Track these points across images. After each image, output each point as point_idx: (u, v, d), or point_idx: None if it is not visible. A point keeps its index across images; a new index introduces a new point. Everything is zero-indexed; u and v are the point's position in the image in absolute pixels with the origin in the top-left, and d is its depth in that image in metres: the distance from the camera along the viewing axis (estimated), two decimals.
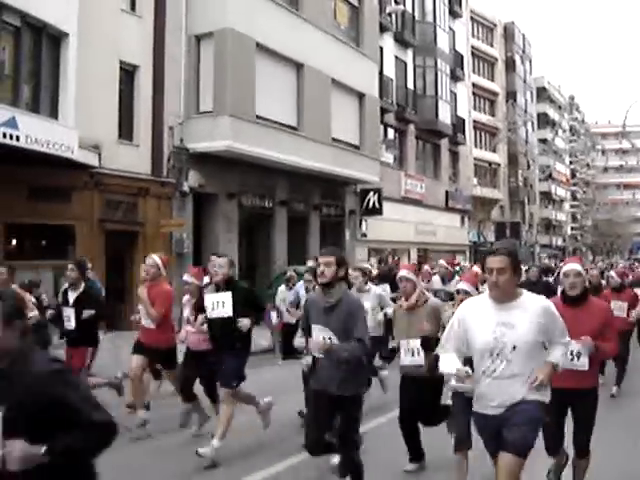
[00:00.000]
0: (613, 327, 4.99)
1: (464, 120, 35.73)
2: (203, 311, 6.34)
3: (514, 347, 3.59)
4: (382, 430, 6.82)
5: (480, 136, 41.20)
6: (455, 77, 34.02)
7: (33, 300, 9.04)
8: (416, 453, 5.81)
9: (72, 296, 7.44)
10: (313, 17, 20.54)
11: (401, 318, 5.96)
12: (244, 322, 6.00)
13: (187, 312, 7.12)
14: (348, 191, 24.07)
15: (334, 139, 21.67)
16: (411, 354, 5.70)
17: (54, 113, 13.75)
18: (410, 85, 29.63)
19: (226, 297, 6.09)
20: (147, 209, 16.47)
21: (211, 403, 7.00)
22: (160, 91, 16.80)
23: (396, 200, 27.33)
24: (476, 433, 4.14)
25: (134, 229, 16.22)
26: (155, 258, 7.12)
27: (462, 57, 35.96)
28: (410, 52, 29.90)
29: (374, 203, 24.58)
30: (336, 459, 5.05)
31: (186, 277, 7.33)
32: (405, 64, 29.52)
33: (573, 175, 72.45)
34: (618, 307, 8.84)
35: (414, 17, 29.98)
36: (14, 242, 14.41)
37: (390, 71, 27.73)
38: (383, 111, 26.18)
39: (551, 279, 15.26)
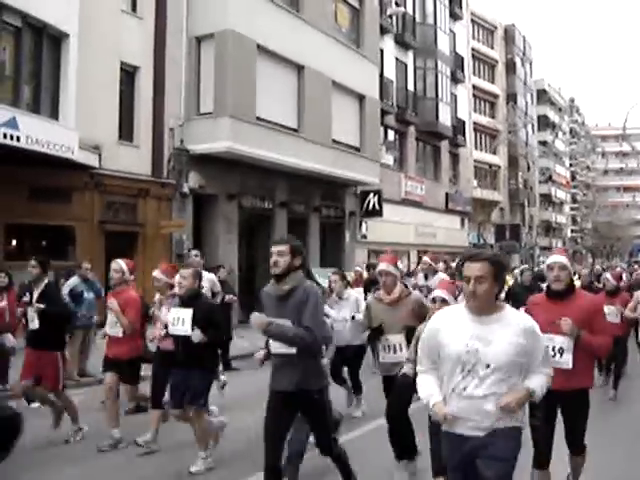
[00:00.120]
0: (603, 320, 4.71)
1: (464, 122, 35.75)
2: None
3: (488, 365, 3.19)
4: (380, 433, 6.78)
5: (480, 138, 41.23)
6: (455, 79, 34.05)
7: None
8: (409, 450, 5.43)
9: (35, 294, 6.90)
10: (314, 19, 20.56)
11: (381, 313, 5.60)
12: (195, 333, 5.68)
13: (158, 311, 6.72)
14: (348, 193, 24.08)
15: (334, 141, 21.68)
16: (392, 351, 5.42)
17: (54, 114, 13.76)
18: (410, 87, 29.65)
19: (186, 314, 5.77)
20: (147, 210, 16.48)
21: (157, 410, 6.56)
22: (161, 92, 16.82)
23: (396, 202, 27.34)
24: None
25: (134, 230, 16.22)
26: (120, 263, 6.74)
27: (462, 59, 35.99)
28: (410, 54, 29.93)
29: (374, 205, 24.58)
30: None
31: (156, 273, 6.81)
32: (405, 66, 29.55)
33: (573, 177, 72.50)
34: (611, 312, 8.57)
35: (415, 19, 30.01)
36: (14, 242, 14.41)
37: (390, 73, 27.75)
38: (383, 113, 26.19)
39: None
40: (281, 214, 20.47)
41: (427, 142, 31.89)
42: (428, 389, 3.41)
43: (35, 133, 12.21)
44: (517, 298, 10.85)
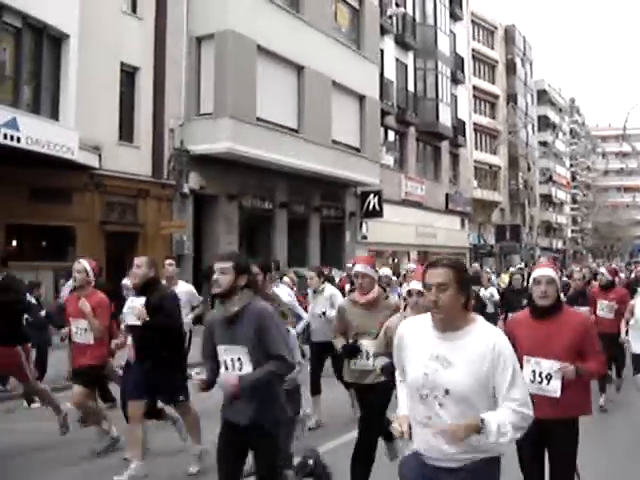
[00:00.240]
0: (595, 342, 4.14)
1: (464, 122, 35.76)
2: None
3: (447, 391, 2.75)
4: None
5: (480, 139, 41.25)
6: (456, 80, 34.06)
7: (34, 301, 9.04)
8: None
9: None
10: (314, 19, 20.56)
11: (355, 316, 5.14)
12: (141, 309, 5.44)
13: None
14: (348, 193, 24.08)
15: (334, 141, 21.69)
16: (365, 357, 4.97)
17: (55, 114, 13.77)
18: (411, 87, 29.66)
19: (139, 303, 5.56)
20: (147, 211, 16.48)
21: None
22: (161, 93, 16.82)
23: (396, 202, 27.34)
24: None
25: (134, 230, 16.22)
26: (84, 263, 6.31)
27: (463, 60, 36.00)
28: (411, 54, 29.94)
29: (374, 205, 24.60)
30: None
31: (126, 281, 6.46)
32: (406, 66, 29.56)
33: (573, 178, 72.50)
34: (605, 307, 8.39)
35: (415, 20, 30.02)
36: (14, 243, 14.41)
37: (391, 73, 27.76)
38: (383, 113, 26.20)
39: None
40: (281, 214, 20.47)
41: (427, 143, 31.90)
42: (400, 401, 3.10)
43: (35, 134, 12.21)
44: (509, 303, 10.76)
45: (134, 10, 16.53)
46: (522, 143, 45.29)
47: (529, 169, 46.25)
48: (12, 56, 13.12)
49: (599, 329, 8.41)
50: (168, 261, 8.45)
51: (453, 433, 2.66)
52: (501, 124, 42.29)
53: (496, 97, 43.94)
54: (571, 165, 71.78)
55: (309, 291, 8.10)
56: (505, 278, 17.67)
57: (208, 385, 3.91)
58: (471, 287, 3.01)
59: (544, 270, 4.19)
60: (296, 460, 4.98)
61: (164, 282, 7.95)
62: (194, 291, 8.64)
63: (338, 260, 22.28)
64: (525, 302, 10.03)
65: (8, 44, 13.00)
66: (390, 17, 27.34)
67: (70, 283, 10.53)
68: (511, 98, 45.43)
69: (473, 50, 39.97)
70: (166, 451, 6.29)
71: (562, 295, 9.48)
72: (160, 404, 6.16)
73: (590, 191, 74.61)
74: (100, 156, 14.91)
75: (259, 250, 19.82)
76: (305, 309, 8.35)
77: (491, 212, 41.52)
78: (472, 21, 40.37)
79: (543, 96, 58.54)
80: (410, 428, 2.87)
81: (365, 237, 25.10)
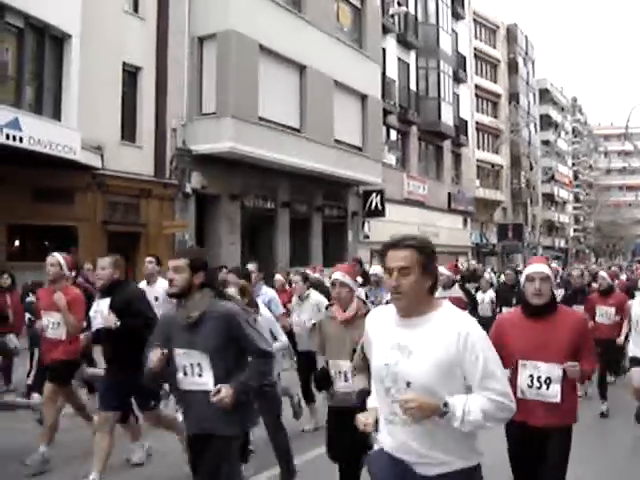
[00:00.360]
0: (590, 341, 3.96)
1: (467, 122, 35.73)
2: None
3: (408, 383, 2.51)
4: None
5: (483, 138, 41.19)
6: (458, 79, 34.03)
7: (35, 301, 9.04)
8: None
9: None
10: (316, 19, 20.55)
11: (333, 333, 4.65)
12: (108, 317, 5.21)
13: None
14: (350, 192, 24.07)
15: (337, 140, 21.68)
16: (344, 378, 4.46)
17: (57, 114, 13.77)
18: (413, 87, 29.63)
19: (104, 305, 5.35)
20: (150, 210, 16.48)
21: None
22: (163, 93, 16.82)
23: (398, 201, 27.33)
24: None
25: (137, 230, 16.23)
26: (57, 256, 6.07)
27: (465, 59, 35.97)
28: (413, 54, 29.91)
29: (376, 204, 24.59)
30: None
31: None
32: (408, 66, 29.54)
33: (576, 177, 72.39)
34: (604, 313, 8.22)
35: (417, 19, 29.99)
36: (17, 243, 14.43)
37: (393, 73, 27.74)
38: (386, 112, 26.18)
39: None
40: (283, 214, 20.46)
41: (429, 142, 31.87)
42: (370, 403, 2.84)
43: (37, 134, 12.21)
44: (502, 298, 10.91)
45: (136, 10, 16.53)
46: (524, 142, 45.22)
47: (531, 168, 46.19)
48: (14, 56, 13.12)
49: (596, 335, 8.22)
50: (148, 259, 8.28)
51: (415, 406, 2.41)
52: (503, 123, 42.24)
53: (498, 96, 43.89)
54: (573, 164, 71.68)
55: (294, 297, 7.67)
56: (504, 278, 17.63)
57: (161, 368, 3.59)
58: (436, 268, 2.68)
59: (537, 266, 3.89)
60: None
61: (144, 280, 8.09)
62: None
63: (340, 260, 22.25)
64: (514, 299, 10.07)
65: (10, 44, 13.01)
66: (392, 16, 27.32)
67: None
68: (513, 97, 45.37)
69: (475, 49, 39.92)
70: (167, 452, 6.26)
71: (564, 293, 9.26)
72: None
73: (592, 190, 74.46)
74: (102, 156, 14.92)
75: (261, 250, 19.82)
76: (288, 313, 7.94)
77: (493, 211, 41.48)
78: (474, 20, 40.32)
79: (545, 95, 58.46)
80: (377, 422, 2.68)
81: (367, 236, 25.09)
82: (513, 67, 46.53)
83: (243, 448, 4.93)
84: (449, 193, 33.17)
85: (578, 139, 74.00)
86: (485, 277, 14.10)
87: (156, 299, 7.26)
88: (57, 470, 5.85)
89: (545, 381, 3.68)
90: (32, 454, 5.80)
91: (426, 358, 2.50)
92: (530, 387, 3.70)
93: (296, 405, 7.19)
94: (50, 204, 14.02)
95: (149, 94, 16.63)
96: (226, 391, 3.44)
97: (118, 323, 5.20)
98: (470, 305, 8.54)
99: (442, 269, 8.41)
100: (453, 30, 33.74)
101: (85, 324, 6.27)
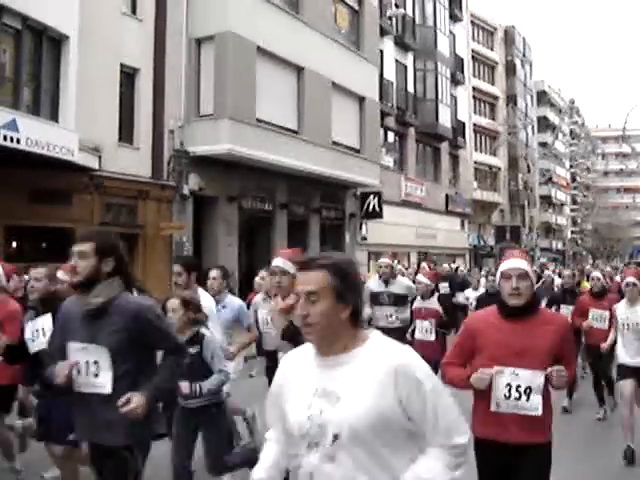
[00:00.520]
0: (573, 347, 3.58)
1: (464, 124, 35.77)
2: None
3: (336, 436, 2.04)
4: None
5: (480, 140, 41.26)
6: (455, 81, 34.08)
7: None
8: None
9: None
10: (313, 21, 20.57)
11: (278, 324, 4.37)
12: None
13: None
14: (348, 194, 24.09)
15: (334, 142, 21.69)
16: None
17: (54, 116, 13.77)
18: (410, 88, 29.67)
19: (45, 322, 4.59)
20: (147, 212, 16.48)
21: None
22: (160, 94, 16.82)
23: (396, 203, 27.36)
24: None
25: (134, 232, 16.21)
26: None
27: (462, 61, 36.02)
28: (410, 55, 29.95)
29: (374, 206, 24.61)
30: None
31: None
32: (405, 67, 29.57)
33: (573, 179, 72.53)
34: (598, 316, 7.71)
35: (414, 21, 30.04)
36: (14, 244, 14.42)
37: (390, 74, 27.77)
38: (383, 114, 26.20)
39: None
40: (281, 216, 20.47)
41: (427, 144, 31.91)
42: (260, 462, 2.34)
43: (35, 135, 12.20)
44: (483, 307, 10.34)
45: (134, 11, 16.53)
46: (522, 144, 45.32)
47: (529, 170, 46.27)
48: (12, 57, 13.11)
49: (589, 341, 8.15)
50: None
51: None
52: (501, 125, 42.30)
53: (496, 98, 43.96)
54: (571, 166, 71.80)
55: (259, 294, 7.03)
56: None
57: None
58: (357, 294, 2.18)
59: (514, 261, 3.35)
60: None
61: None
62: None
63: None
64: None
65: (8, 45, 13.00)
66: (390, 18, 27.35)
67: None
68: (511, 99, 45.45)
69: (473, 51, 39.99)
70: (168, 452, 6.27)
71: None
72: None
73: (590, 192, 74.61)
74: (100, 157, 14.91)
75: (259, 252, 19.83)
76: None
77: (491, 213, 41.53)
78: (472, 22, 40.40)
79: (543, 97, 58.58)
80: None
81: (365, 238, 25.12)
82: (511, 69, 46.61)
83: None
84: (447, 195, 33.21)
85: (576, 141, 74.13)
86: (475, 277, 14.12)
87: None
88: None
89: (525, 391, 3.20)
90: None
91: (357, 404, 2.04)
92: (507, 398, 3.23)
93: (250, 419, 6.63)
94: (47, 205, 14.01)
95: (147, 95, 16.64)
96: (137, 400, 2.98)
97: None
98: (446, 319, 7.97)
99: (421, 277, 8.17)
100: (451, 32, 33.78)
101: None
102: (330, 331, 2.10)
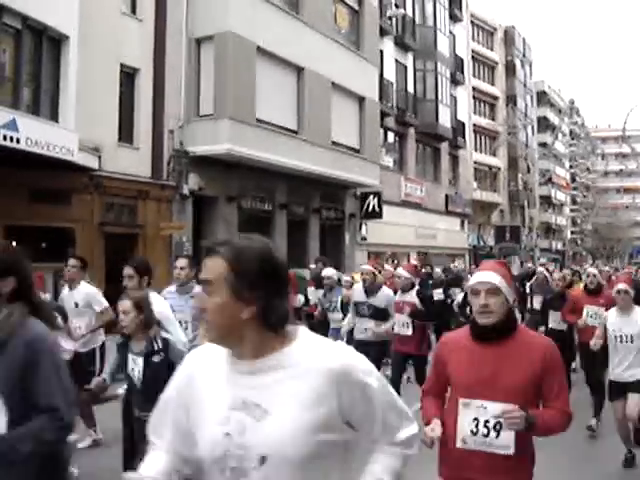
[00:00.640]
0: (562, 378, 2.85)
1: (464, 124, 35.79)
2: None
3: (263, 458, 1.68)
4: None
5: (480, 140, 41.27)
6: (455, 81, 34.09)
7: None
8: None
9: None
10: (313, 21, 20.58)
11: None
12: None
13: None
14: (348, 194, 24.10)
15: (334, 142, 21.70)
16: None
17: (54, 116, 13.77)
18: (410, 89, 29.68)
19: None
20: (147, 212, 16.49)
21: None
22: (160, 94, 16.82)
23: (396, 204, 27.36)
24: None
25: (134, 232, 16.23)
26: None
27: (462, 61, 36.04)
28: (410, 56, 29.96)
29: (374, 206, 24.62)
30: None
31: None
32: (405, 68, 29.58)
33: (573, 179, 72.56)
34: (594, 313, 7.33)
35: (414, 21, 30.05)
36: (14, 244, 14.39)
37: (390, 75, 27.78)
38: (383, 114, 26.21)
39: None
40: (281, 216, 20.48)
41: (427, 144, 31.92)
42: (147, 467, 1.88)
43: (35, 135, 12.20)
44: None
45: (134, 11, 16.53)
46: (522, 144, 45.31)
47: (529, 170, 46.28)
48: (12, 57, 13.11)
49: (582, 338, 7.79)
50: (72, 261, 7.12)
51: None
52: (501, 125, 42.31)
53: (496, 98, 43.98)
54: (571, 166, 71.84)
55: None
56: None
57: None
58: (273, 289, 1.74)
59: (483, 275, 2.86)
60: None
61: (66, 284, 7.14)
62: (96, 293, 7.10)
63: (338, 262, 22.29)
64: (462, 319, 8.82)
65: (8, 45, 13.00)
66: (390, 18, 27.37)
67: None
68: (511, 99, 45.46)
69: (473, 51, 40.01)
70: None
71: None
72: None
73: (590, 192, 74.67)
74: (100, 157, 14.91)
75: None
76: None
77: (491, 213, 41.55)
78: (472, 22, 40.41)
79: (543, 97, 58.60)
80: None
81: (365, 238, 25.13)
82: (511, 69, 46.62)
83: None
84: (446, 195, 33.22)
85: (575, 141, 74.16)
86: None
87: (76, 305, 6.78)
88: None
89: (494, 427, 2.71)
90: None
91: (291, 418, 1.68)
92: (474, 434, 2.76)
93: None
94: (47, 205, 14.01)
95: (146, 95, 16.64)
96: None
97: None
98: (424, 315, 7.73)
99: (401, 271, 8.03)
100: (451, 32, 33.80)
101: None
102: (227, 331, 1.72)
